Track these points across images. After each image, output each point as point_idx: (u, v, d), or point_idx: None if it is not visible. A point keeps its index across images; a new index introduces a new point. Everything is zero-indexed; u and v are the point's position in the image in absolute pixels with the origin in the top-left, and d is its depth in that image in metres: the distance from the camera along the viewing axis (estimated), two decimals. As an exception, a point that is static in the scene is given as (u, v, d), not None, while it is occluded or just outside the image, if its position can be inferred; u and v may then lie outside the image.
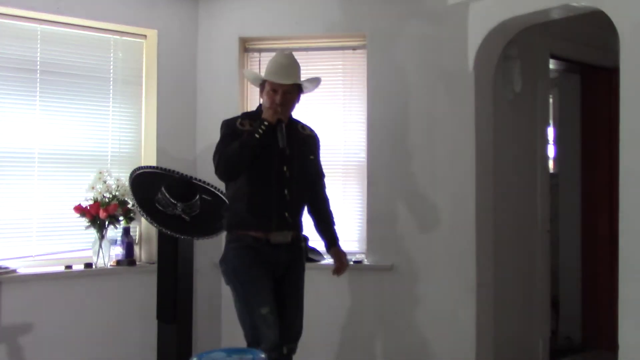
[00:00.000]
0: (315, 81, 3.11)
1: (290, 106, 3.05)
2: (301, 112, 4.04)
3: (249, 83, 4.01)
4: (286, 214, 2.97)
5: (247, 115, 3.10)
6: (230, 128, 2.99)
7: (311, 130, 3.20)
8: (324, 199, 3.23)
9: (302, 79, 3.06)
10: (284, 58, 3.04)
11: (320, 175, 3.22)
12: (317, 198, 3.19)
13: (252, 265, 2.92)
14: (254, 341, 2.87)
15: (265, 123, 2.88)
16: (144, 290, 3.88)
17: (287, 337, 2.98)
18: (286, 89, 2.98)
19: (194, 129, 4.18)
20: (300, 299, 3.09)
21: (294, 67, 3.05)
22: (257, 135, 2.85)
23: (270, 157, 2.95)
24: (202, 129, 4.15)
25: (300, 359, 3.92)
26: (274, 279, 2.98)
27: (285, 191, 2.97)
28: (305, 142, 3.11)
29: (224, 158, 2.89)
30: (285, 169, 2.98)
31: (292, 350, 3.04)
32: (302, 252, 3.12)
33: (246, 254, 2.94)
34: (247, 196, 2.95)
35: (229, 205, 3.08)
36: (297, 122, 3.16)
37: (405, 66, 3.88)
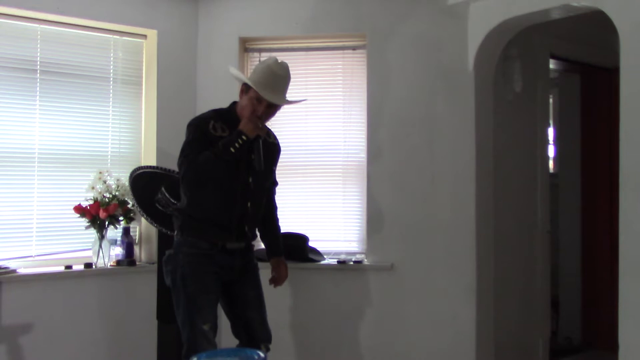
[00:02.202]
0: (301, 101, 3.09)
1: (269, 119, 2.97)
2: (301, 111, 4.07)
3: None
4: (245, 228, 2.93)
5: (219, 116, 2.92)
6: (201, 131, 2.84)
7: (275, 138, 3.11)
8: (274, 207, 3.19)
9: (290, 94, 2.98)
10: (279, 68, 2.89)
11: (275, 184, 3.18)
12: (268, 206, 3.13)
13: (202, 276, 2.85)
14: (190, 350, 2.78)
15: (244, 137, 2.75)
16: (144, 290, 3.87)
17: (264, 337, 3.00)
18: (271, 103, 2.88)
19: (194, 129, 4.17)
20: (262, 299, 3.05)
21: (287, 82, 2.93)
22: (232, 150, 2.73)
23: (239, 169, 2.85)
24: (202, 129, 4.14)
25: (300, 358, 3.94)
26: (225, 283, 2.94)
27: (248, 204, 2.91)
28: (270, 151, 3.01)
29: (194, 167, 2.75)
30: (250, 180, 2.90)
31: (268, 350, 3.01)
32: (253, 254, 3.10)
33: (198, 262, 2.85)
34: (208, 204, 2.86)
35: (184, 206, 2.93)
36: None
37: (406, 66, 3.88)
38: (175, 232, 2.97)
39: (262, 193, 3.03)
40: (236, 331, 3.03)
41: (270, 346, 3.04)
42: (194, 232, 2.89)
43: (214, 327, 2.86)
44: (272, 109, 2.91)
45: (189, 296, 2.84)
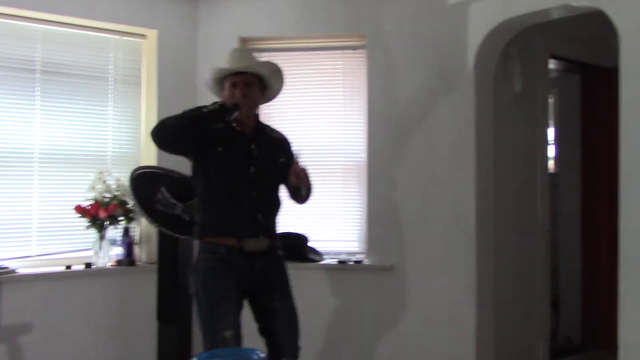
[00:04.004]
0: (276, 73, 2.94)
1: (253, 100, 2.88)
2: (301, 111, 4.07)
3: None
4: (258, 216, 2.84)
5: None
6: None
7: (280, 134, 3.07)
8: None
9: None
10: (235, 49, 3.00)
11: (299, 189, 3.01)
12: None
13: (221, 282, 2.77)
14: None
15: (219, 103, 2.74)
16: (144, 290, 3.88)
17: (288, 351, 2.87)
18: (245, 80, 2.83)
19: (194, 129, 4.17)
20: (292, 310, 2.93)
21: (247, 51, 3.00)
22: (204, 110, 2.68)
23: (237, 159, 2.83)
24: (202, 129, 4.14)
25: (299, 358, 3.92)
26: (247, 292, 2.85)
27: (253, 193, 2.84)
28: (273, 144, 2.98)
29: (161, 121, 2.75)
30: (252, 170, 2.85)
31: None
32: (279, 260, 2.96)
33: (217, 267, 2.79)
34: (216, 199, 2.82)
35: (198, 211, 2.91)
36: (265, 125, 3.02)
37: (405, 66, 3.88)
38: (196, 238, 2.92)
39: (271, 184, 2.95)
40: (266, 343, 2.90)
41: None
42: (209, 233, 2.83)
43: (237, 335, 2.73)
44: (250, 88, 2.84)
45: (209, 302, 2.77)
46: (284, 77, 2.99)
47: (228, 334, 2.69)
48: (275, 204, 2.97)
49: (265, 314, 2.89)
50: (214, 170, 2.81)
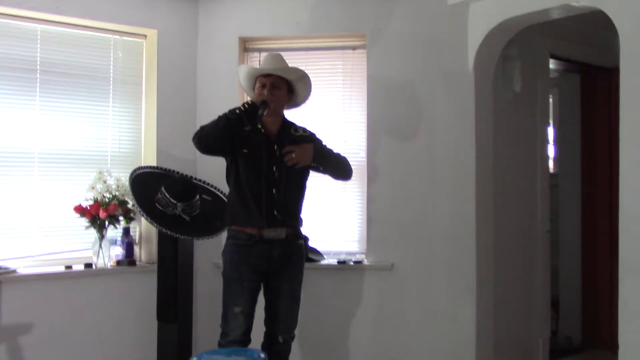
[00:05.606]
0: (302, 79, 3.20)
1: (279, 100, 3.15)
2: (301, 111, 4.07)
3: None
4: (275, 212, 3.10)
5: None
6: None
7: (305, 130, 3.30)
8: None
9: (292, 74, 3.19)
10: (268, 54, 3.26)
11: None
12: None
13: (239, 264, 3.11)
14: (224, 331, 3.12)
15: (249, 101, 3.05)
16: (144, 290, 3.88)
17: (282, 329, 3.20)
18: (273, 82, 3.11)
19: (194, 129, 4.12)
20: (294, 294, 3.23)
21: (281, 59, 3.21)
22: (237, 111, 2.98)
23: (261, 158, 3.10)
24: (202, 129, 4.14)
25: (300, 358, 3.93)
26: (265, 275, 3.16)
27: (274, 190, 3.10)
28: (297, 143, 3.17)
29: (201, 128, 3.07)
30: (274, 169, 3.11)
31: (286, 341, 3.22)
32: (298, 248, 3.24)
33: (236, 252, 3.12)
34: (239, 195, 3.11)
35: (228, 202, 3.26)
36: (290, 124, 3.23)
37: (405, 66, 3.88)
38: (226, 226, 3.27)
39: (293, 182, 3.17)
40: (266, 319, 3.22)
41: (292, 343, 3.24)
42: (233, 223, 3.16)
43: (246, 312, 3.09)
44: (278, 90, 3.13)
45: (226, 283, 3.14)
46: (310, 84, 3.25)
47: (237, 309, 3.08)
48: (295, 202, 3.22)
49: (273, 294, 3.20)
50: (241, 169, 3.10)
